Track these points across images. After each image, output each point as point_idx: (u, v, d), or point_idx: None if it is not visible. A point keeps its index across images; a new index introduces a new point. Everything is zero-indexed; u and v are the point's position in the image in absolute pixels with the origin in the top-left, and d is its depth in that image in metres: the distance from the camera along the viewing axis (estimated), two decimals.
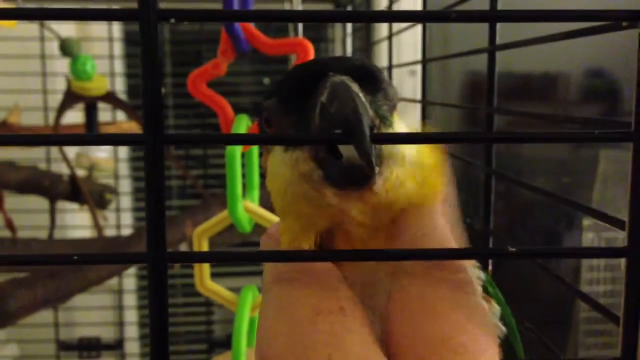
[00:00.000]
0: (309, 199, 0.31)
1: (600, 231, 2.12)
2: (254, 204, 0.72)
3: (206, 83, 0.71)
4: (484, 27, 0.57)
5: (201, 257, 0.29)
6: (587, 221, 2.24)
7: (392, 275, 0.31)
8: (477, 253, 0.30)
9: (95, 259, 0.31)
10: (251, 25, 0.66)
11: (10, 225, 1.32)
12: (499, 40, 0.54)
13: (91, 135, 0.24)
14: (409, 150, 0.32)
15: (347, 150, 0.29)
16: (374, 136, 0.28)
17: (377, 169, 0.29)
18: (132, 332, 2.02)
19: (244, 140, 0.33)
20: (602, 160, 2.52)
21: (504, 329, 0.31)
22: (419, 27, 1.18)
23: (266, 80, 2.24)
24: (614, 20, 0.30)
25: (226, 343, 1.87)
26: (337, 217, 0.31)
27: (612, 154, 2.51)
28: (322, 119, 0.29)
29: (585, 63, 2.76)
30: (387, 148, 0.31)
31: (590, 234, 2.17)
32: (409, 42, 1.43)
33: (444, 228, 0.32)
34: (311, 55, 0.65)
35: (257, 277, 2.01)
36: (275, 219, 0.71)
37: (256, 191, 0.77)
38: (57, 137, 0.27)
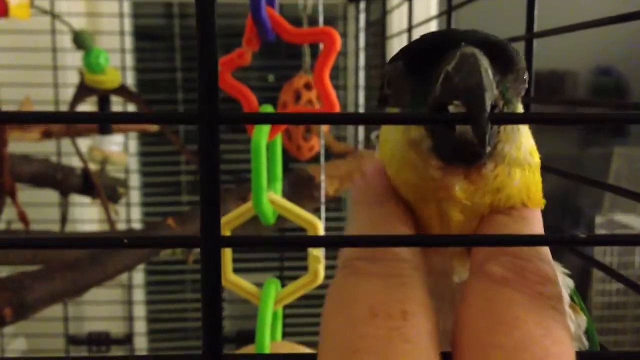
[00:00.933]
0: (414, 167, 0.30)
1: (614, 229, 2.11)
2: (277, 196, 0.71)
3: (231, 72, 0.70)
4: (506, 20, 0.55)
5: (256, 241, 0.28)
6: (599, 219, 2.23)
7: (472, 274, 0.29)
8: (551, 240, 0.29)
9: (148, 243, 0.30)
10: (277, 14, 0.65)
11: (23, 218, 1.31)
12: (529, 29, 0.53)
13: (142, 113, 0.23)
14: (527, 143, 0.30)
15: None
16: (493, 115, 0.27)
17: (488, 147, 0.28)
18: (141, 327, 2.01)
19: (313, 119, 0.32)
20: (615, 158, 2.50)
21: (587, 343, 0.29)
22: (433, 22, 1.17)
23: (270, 78, 2.23)
24: None
25: (235, 339, 1.87)
26: (440, 192, 0.30)
27: (625, 151, 2.50)
28: (444, 88, 0.28)
29: (593, 61, 2.75)
30: (505, 131, 0.29)
31: (602, 230, 2.16)
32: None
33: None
34: (338, 44, 0.64)
35: (276, 272, 2.00)
36: (299, 210, 0.70)
37: (279, 183, 0.76)
38: (104, 115, 0.26)
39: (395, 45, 1.60)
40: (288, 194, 1.16)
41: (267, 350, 0.69)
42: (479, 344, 0.26)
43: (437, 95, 0.28)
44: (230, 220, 0.69)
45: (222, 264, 0.71)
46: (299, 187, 1.19)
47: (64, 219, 1.44)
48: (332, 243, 0.30)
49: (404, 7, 1.21)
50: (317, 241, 0.31)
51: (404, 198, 0.31)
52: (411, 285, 0.27)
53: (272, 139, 0.73)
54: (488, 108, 0.26)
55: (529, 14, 0.52)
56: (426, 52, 0.30)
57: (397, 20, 1.55)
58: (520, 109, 0.32)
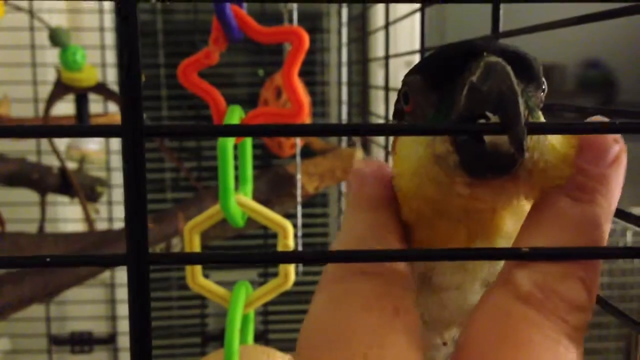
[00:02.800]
0: (439, 184, 0.29)
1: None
2: (247, 198, 0.70)
3: (198, 73, 0.69)
4: (482, 16, 0.54)
5: (185, 258, 0.27)
6: None
7: (498, 279, 0.27)
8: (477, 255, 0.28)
9: (70, 261, 0.28)
10: (244, 13, 0.64)
11: None
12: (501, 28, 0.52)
13: (68, 126, 0.22)
14: (556, 142, 0.29)
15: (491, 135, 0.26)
16: (529, 125, 0.26)
17: (526, 154, 0.26)
18: (124, 326, 2.00)
19: (232, 131, 0.31)
20: None
21: None
22: (416, 17, 1.16)
23: (260, 72, 2.21)
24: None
25: (220, 336, 1.85)
26: (468, 205, 0.29)
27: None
28: (470, 99, 0.27)
29: (581, 54, 2.75)
30: (533, 137, 0.28)
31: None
32: (405, 32, 1.41)
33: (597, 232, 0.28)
34: (306, 44, 0.63)
35: (252, 269, 1.99)
36: (269, 213, 0.69)
37: (249, 185, 0.75)
38: (34, 128, 0.25)
39: (378, 39, 1.58)
40: (267, 193, 1.15)
41: (236, 354, 0.68)
42: (484, 355, 0.25)
43: (462, 106, 0.27)
44: (197, 224, 0.68)
45: (190, 268, 0.70)
46: (278, 185, 1.17)
47: (43, 219, 1.42)
48: (268, 260, 0.29)
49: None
50: (260, 258, 0.29)
51: (412, 211, 0.30)
52: (401, 288, 0.28)
53: (241, 140, 0.72)
54: (523, 113, 0.25)
55: (495, 12, 0.51)
56: (446, 64, 0.29)
57: (378, 14, 1.53)
58: (542, 117, 0.31)
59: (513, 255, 0.26)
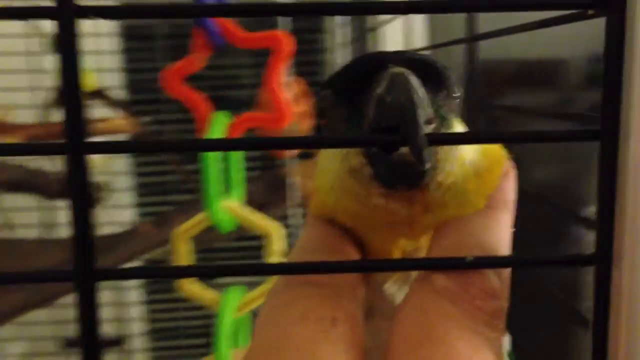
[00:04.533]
0: (357, 196, 0.29)
1: None
2: (235, 203, 0.70)
3: (184, 78, 0.69)
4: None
5: (133, 274, 0.27)
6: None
7: (416, 282, 0.28)
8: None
9: (17, 278, 0.29)
10: (224, 19, 0.64)
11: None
12: (483, 29, 0.52)
13: (12, 145, 0.22)
14: (469, 152, 0.30)
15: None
16: (430, 135, 0.26)
17: (427, 164, 0.27)
18: (134, 328, 2.01)
19: (178, 147, 0.31)
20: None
21: None
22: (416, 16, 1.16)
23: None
24: (579, 8, 0.28)
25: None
26: (385, 217, 0.29)
27: None
28: (377, 110, 0.27)
29: (587, 48, 2.72)
30: (444, 149, 0.29)
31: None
32: (397, 32, 1.40)
33: (497, 236, 0.28)
34: (288, 49, 0.63)
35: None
36: (256, 218, 0.69)
37: (239, 189, 0.75)
38: None
39: (378, 38, 1.58)
40: (263, 195, 1.15)
41: (227, 358, 0.68)
42: (405, 356, 0.25)
43: (371, 119, 0.28)
44: (185, 230, 0.68)
45: None
46: (276, 188, 1.17)
47: (47, 225, 1.44)
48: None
49: None
50: (189, 271, 0.30)
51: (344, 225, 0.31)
52: (342, 295, 0.28)
53: None
54: (422, 124, 0.26)
55: (470, 16, 0.51)
56: (355, 79, 0.30)
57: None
58: (456, 123, 0.31)
59: (456, 265, 0.26)
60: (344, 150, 0.29)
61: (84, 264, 0.27)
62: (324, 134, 0.33)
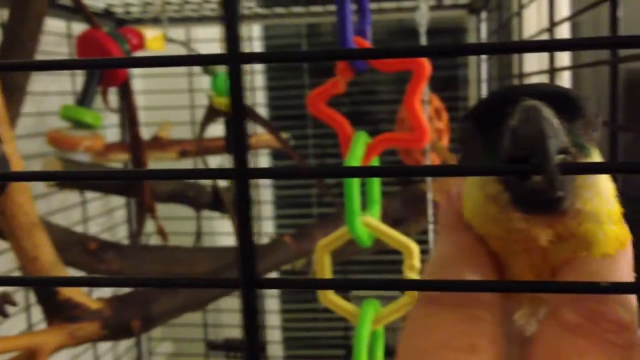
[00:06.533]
0: (497, 221, 0.31)
1: None
2: (373, 219, 0.73)
3: (327, 100, 0.73)
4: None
5: (292, 284, 0.30)
6: None
7: (546, 319, 0.29)
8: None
9: (189, 283, 0.33)
10: (367, 43, 0.67)
11: (161, 232, 1.42)
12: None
13: (186, 170, 0.26)
14: (606, 185, 0.31)
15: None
16: (565, 165, 0.28)
17: (560, 192, 0.28)
18: (274, 335, 2.10)
19: (334, 172, 0.34)
20: None
21: None
22: (563, 28, 1.13)
23: None
24: None
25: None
26: (526, 242, 0.31)
27: None
28: (512, 142, 0.29)
29: None
30: (582, 178, 0.30)
31: None
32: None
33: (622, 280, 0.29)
34: (427, 72, 0.65)
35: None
36: (394, 233, 0.72)
37: (377, 205, 0.78)
38: (149, 173, 0.29)
39: (518, 55, 1.55)
40: (401, 211, 1.17)
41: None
42: None
43: (506, 149, 0.29)
44: (328, 244, 0.72)
45: None
46: (413, 205, 1.19)
47: (198, 234, 1.54)
48: (370, 287, 0.32)
49: (527, 13, 1.18)
50: (363, 284, 0.32)
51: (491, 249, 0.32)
52: (483, 320, 0.28)
53: (368, 162, 0.75)
54: (553, 153, 0.27)
55: (613, 24, 0.50)
56: (491, 111, 0.32)
57: (517, 30, 1.51)
58: (596, 153, 0.32)
59: (591, 289, 0.27)
60: (482, 179, 0.31)
61: (248, 273, 0.30)
62: (464, 163, 0.35)
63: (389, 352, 0.87)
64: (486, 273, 0.31)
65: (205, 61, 0.31)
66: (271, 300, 2.11)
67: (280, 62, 0.29)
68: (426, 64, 0.65)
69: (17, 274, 0.94)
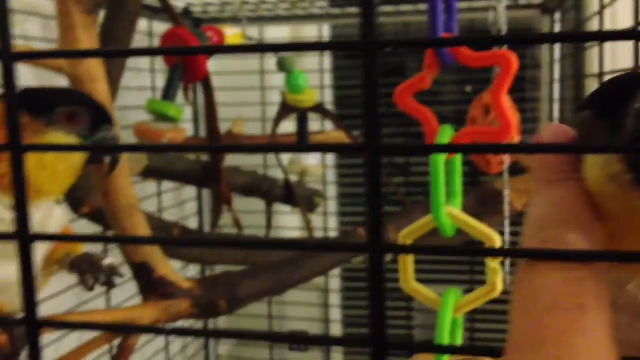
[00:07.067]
0: (617, 200, 0.32)
1: None
2: (457, 210, 0.75)
3: (414, 94, 0.75)
4: None
5: (415, 250, 0.33)
6: None
7: None
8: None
9: (321, 245, 0.36)
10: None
11: (237, 223, 1.48)
12: None
13: (317, 144, 0.29)
14: None
15: None
16: None
17: None
18: (336, 329, 2.13)
19: (457, 149, 0.37)
20: None
21: None
22: None
23: (468, 89, 2.24)
24: None
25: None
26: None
27: None
28: (637, 122, 0.30)
29: None
30: None
31: None
32: (626, 46, 1.37)
33: None
34: (514, 67, 0.67)
35: (452, 284, 2.02)
36: (477, 224, 0.74)
37: (459, 197, 0.80)
38: (280, 146, 0.32)
39: (594, 55, 1.54)
40: (474, 208, 1.19)
41: (446, 357, 0.73)
42: None
43: (631, 131, 0.30)
44: (411, 232, 0.75)
45: (404, 270, 0.77)
46: (486, 202, 1.21)
47: (268, 226, 1.59)
48: (509, 253, 0.34)
49: (608, 13, 1.18)
50: (488, 252, 0.35)
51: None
52: (589, 281, 0.28)
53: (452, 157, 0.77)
54: None
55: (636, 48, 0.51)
56: (612, 96, 0.33)
57: (594, 29, 1.49)
58: None
59: None
60: (604, 158, 0.32)
61: (376, 238, 0.33)
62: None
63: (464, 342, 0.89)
64: (590, 233, 0.31)
65: (339, 47, 0.34)
66: (333, 295, 2.14)
67: (412, 47, 0.32)
68: (513, 59, 0.67)
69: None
